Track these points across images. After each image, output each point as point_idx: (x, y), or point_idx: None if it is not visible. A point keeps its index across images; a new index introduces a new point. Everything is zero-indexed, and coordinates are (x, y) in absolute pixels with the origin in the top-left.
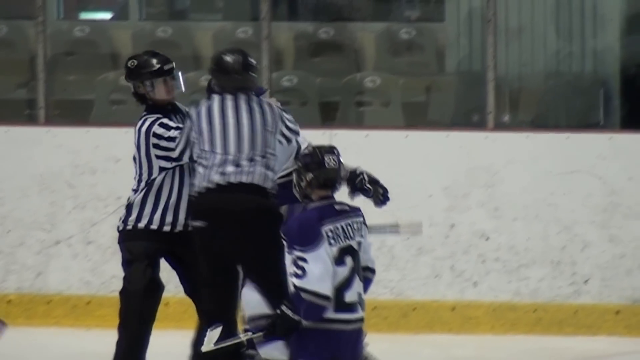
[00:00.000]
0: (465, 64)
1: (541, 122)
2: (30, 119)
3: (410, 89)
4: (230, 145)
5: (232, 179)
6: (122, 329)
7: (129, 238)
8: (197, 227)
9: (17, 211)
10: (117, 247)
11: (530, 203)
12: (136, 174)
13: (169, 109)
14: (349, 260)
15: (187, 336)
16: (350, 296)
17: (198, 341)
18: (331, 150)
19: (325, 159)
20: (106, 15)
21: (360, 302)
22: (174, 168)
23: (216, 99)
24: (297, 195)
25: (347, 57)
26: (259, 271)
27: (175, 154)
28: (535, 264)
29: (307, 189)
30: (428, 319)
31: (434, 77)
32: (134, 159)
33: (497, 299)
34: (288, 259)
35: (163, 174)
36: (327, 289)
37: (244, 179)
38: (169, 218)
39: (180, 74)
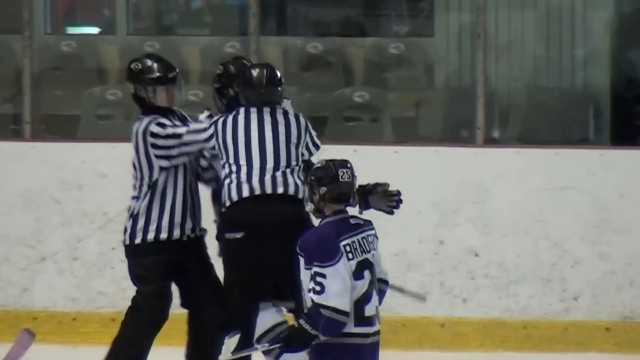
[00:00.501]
0: (455, 80)
1: (531, 138)
2: (16, 134)
3: (400, 104)
4: (254, 157)
5: (268, 190)
6: (126, 345)
7: (139, 254)
8: (233, 238)
9: (2, 227)
10: (104, 263)
11: (520, 219)
12: (136, 179)
13: (167, 112)
14: (367, 274)
15: (175, 352)
16: (369, 310)
17: (194, 355)
18: (344, 163)
19: (339, 172)
20: (93, 30)
21: (377, 314)
22: (176, 168)
23: (241, 111)
24: (308, 209)
25: (336, 72)
26: (293, 279)
27: (205, 136)
28: (525, 280)
29: (320, 203)
30: (417, 335)
31: (423, 92)
32: (133, 164)
33: (487, 315)
34: (306, 274)
35: (165, 174)
36: (346, 304)
37: (279, 189)
38: (177, 223)
39: (182, 82)
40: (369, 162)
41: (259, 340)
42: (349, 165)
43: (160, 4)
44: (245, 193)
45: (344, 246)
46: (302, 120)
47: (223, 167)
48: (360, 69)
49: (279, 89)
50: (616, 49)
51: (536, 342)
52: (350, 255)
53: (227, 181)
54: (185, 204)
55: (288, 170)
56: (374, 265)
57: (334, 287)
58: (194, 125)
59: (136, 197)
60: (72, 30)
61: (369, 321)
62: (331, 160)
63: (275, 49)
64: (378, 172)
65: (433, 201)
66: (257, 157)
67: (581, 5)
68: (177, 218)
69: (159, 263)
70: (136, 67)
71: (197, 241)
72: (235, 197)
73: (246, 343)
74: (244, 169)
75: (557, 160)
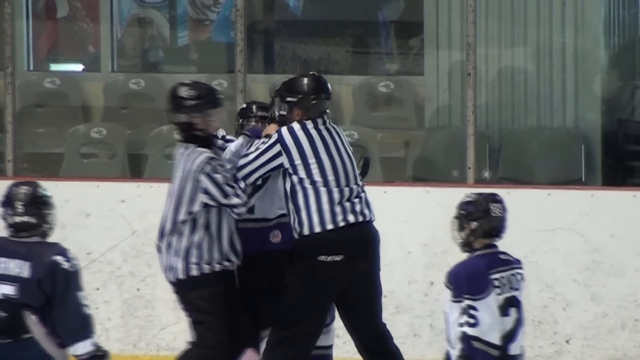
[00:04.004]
0: (445, 119)
1: (522, 178)
2: None
3: (389, 143)
4: (341, 177)
5: (363, 214)
6: None
7: (199, 285)
8: (330, 261)
9: None
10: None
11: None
12: (176, 212)
13: (211, 141)
14: (513, 312)
15: None
16: (514, 349)
17: None
18: (495, 198)
19: (491, 207)
20: (77, 67)
21: (522, 355)
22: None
23: (309, 125)
24: (457, 242)
25: None
26: (375, 299)
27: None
28: None
29: (470, 238)
30: None
31: (413, 131)
32: (176, 197)
33: None
34: (453, 307)
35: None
36: (497, 338)
37: (366, 212)
38: (229, 253)
39: None
40: None
41: None
42: (499, 200)
43: (145, 41)
44: (348, 217)
45: (493, 280)
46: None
47: (298, 185)
48: (349, 107)
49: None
50: (607, 88)
51: None
52: (498, 290)
53: (323, 204)
54: (230, 233)
55: (360, 188)
56: (521, 303)
57: (485, 319)
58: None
59: (172, 231)
60: (56, 67)
61: None
62: (482, 194)
63: (263, 87)
64: None
65: (423, 242)
66: (344, 176)
67: (572, 44)
68: (229, 252)
69: (219, 294)
70: (191, 94)
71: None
72: (332, 220)
73: None
74: (335, 190)
75: (549, 201)
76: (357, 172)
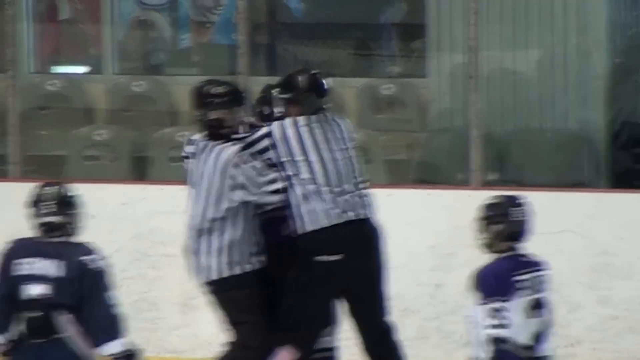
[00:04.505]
0: (448, 121)
1: (527, 181)
2: (2, 175)
3: (392, 146)
4: (331, 176)
5: (357, 212)
6: None
7: (243, 284)
8: (327, 261)
9: None
10: None
11: None
12: (206, 208)
13: (236, 138)
14: (539, 313)
15: None
16: (543, 350)
17: None
18: (518, 201)
19: (512, 211)
20: (79, 69)
21: (552, 356)
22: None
23: (301, 122)
24: (479, 244)
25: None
26: (378, 298)
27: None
28: None
29: (492, 240)
30: None
31: (416, 134)
32: (212, 195)
33: None
34: (480, 309)
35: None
36: (526, 339)
37: (361, 211)
38: (260, 250)
39: None
40: None
41: None
42: (521, 203)
43: (147, 43)
44: (341, 216)
45: (519, 282)
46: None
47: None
48: (352, 109)
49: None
50: (611, 90)
51: None
52: (524, 292)
53: (314, 204)
54: (257, 229)
55: (359, 185)
56: (547, 305)
57: (514, 321)
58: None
59: (213, 229)
60: (58, 69)
61: None
62: (504, 197)
63: None
64: None
65: (429, 244)
66: (335, 176)
67: (574, 45)
68: (259, 244)
69: (256, 293)
70: (226, 91)
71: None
72: (326, 220)
73: None
74: (325, 189)
75: (554, 204)
76: (357, 170)
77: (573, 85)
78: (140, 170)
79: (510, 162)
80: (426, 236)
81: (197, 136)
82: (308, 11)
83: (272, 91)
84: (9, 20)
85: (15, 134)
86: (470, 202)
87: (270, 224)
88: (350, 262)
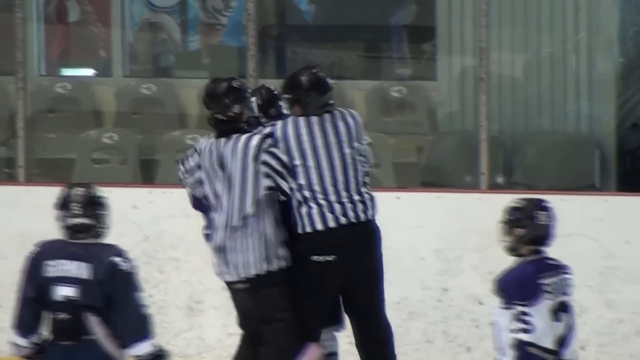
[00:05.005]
0: (458, 124)
1: (535, 184)
2: (10, 178)
3: (401, 149)
4: (326, 179)
5: (357, 215)
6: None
7: (275, 282)
8: (323, 262)
9: None
10: None
11: None
12: (238, 202)
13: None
14: (564, 317)
15: None
16: (568, 354)
17: None
18: (543, 205)
19: (537, 215)
20: (88, 72)
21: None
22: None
23: (301, 122)
24: (503, 247)
25: None
26: (374, 299)
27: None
28: None
29: (517, 244)
30: None
31: (425, 136)
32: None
33: None
34: (503, 314)
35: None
36: (551, 343)
37: (361, 215)
38: (286, 249)
39: None
40: None
41: None
42: (547, 207)
43: (156, 45)
44: (331, 223)
45: (543, 285)
46: (359, 119)
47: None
48: (361, 112)
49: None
50: (622, 93)
51: None
52: (549, 296)
53: (311, 206)
54: (282, 227)
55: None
56: (571, 308)
57: (539, 325)
58: None
59: (246, 225)
60: (67, 72)
61: None
62: (529, 200)
63: None
64: (379, 218)
65: (436, 248)
66: (330, 180)
67: (586, 48)
68: (285, 243)
69: (286, 291)
70: (242, 85)
71: None
72: (323, 223)
73: None
74: (319, 193)
75: (563, 207)
76: (360, 172)
77: (583, 88)
78: (148, 173)
79: (520, 165)
80: (433, 239)
81: (202, 142)
82: (317, 13)
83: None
84: (19, 22)
85: (23, 137)
86: (479, 205)
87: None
88: (346, 263)
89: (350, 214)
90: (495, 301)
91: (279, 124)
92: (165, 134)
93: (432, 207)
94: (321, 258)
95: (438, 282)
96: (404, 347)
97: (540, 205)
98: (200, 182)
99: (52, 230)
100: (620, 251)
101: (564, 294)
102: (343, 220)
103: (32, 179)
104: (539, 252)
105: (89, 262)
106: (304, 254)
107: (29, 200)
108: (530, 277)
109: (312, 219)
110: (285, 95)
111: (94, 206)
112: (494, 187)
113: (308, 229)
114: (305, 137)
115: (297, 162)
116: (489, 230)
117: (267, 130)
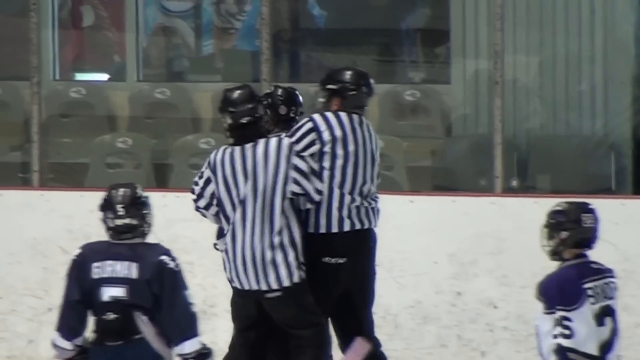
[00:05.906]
0: (472, 127)
1: (550, 187)
2: (24, 183)
3: (415, 152)
4: (358, 179)
5: (370, 221)
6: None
7: (306, 289)
8: (334, 264)
9: (9, 277)
10: None
11: (539, 270)
12: (268, 217)
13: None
14: (608, 321)
15: None
16: (611, 359)
17: None
18: (587, 207)
19: (582, 217)
20: (102, 77)
21: None
22: None
23: (342, 116)
24: (545, 251)
25: None
26: (367, 295)
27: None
28: None
29: (560, 247)
30: None
31: (439, 140)
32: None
33: None
34: (545, 319)
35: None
36: (595, 348)
37: (373, 220)
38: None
39: None
40: (384, 212)
41: None
42: (591, 209)
43: (170, 50)
44: (347, 227)
45: (587, 289)
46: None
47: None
48: (375, 116)
49: None
50: (637, 96)
51: None
52: (593, 300)
53: (324, 208)
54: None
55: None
56: (616, 313)
57: (581, 330)
58: None
59: (281, 232)
60: (81, 76)
61: None
62: (573, 203)
63: None
64: (393, 221)
65: (450, 252)
66: (351, 181)
67: (601, 51)
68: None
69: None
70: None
71: None
72: (339, 224)
73: None
74: (344, 195)
75: None
76: (374, 180)
77: (599, 91)
78: (161, 177)
79: (535, 168)
80: (447, 243)
81: (213, 156)
82: (331, 17)
83: (280, 91)
84: (33, 27)
85: (38, 141)
86: (493, 209)
87: None
88: (352, 266)
89: (365, 220)
90: (539, 306)
91: (317, 117)
92: (179, 138)
93: (446, 210)
94: (333, 260)
95: (452, 286)
96: (417, 351)
97: (584, 208)
98: (212, 196)
99: (64, 234)
100: (637, 254)
101: (608, 297)
102: (358, 225)
103: (46, 184)
104: (582, 255)
105: (136, 262)
106: (315, 255)
107: (43, 205)
108: (573, 282)
109: (331, 221)
110: (330, 86)
111: (138, 206)
112: (508, 191)
113: (323, 230)
114: (347, 129)
115: (340, 151)
116: (504, 234)
117: (306, 127)
